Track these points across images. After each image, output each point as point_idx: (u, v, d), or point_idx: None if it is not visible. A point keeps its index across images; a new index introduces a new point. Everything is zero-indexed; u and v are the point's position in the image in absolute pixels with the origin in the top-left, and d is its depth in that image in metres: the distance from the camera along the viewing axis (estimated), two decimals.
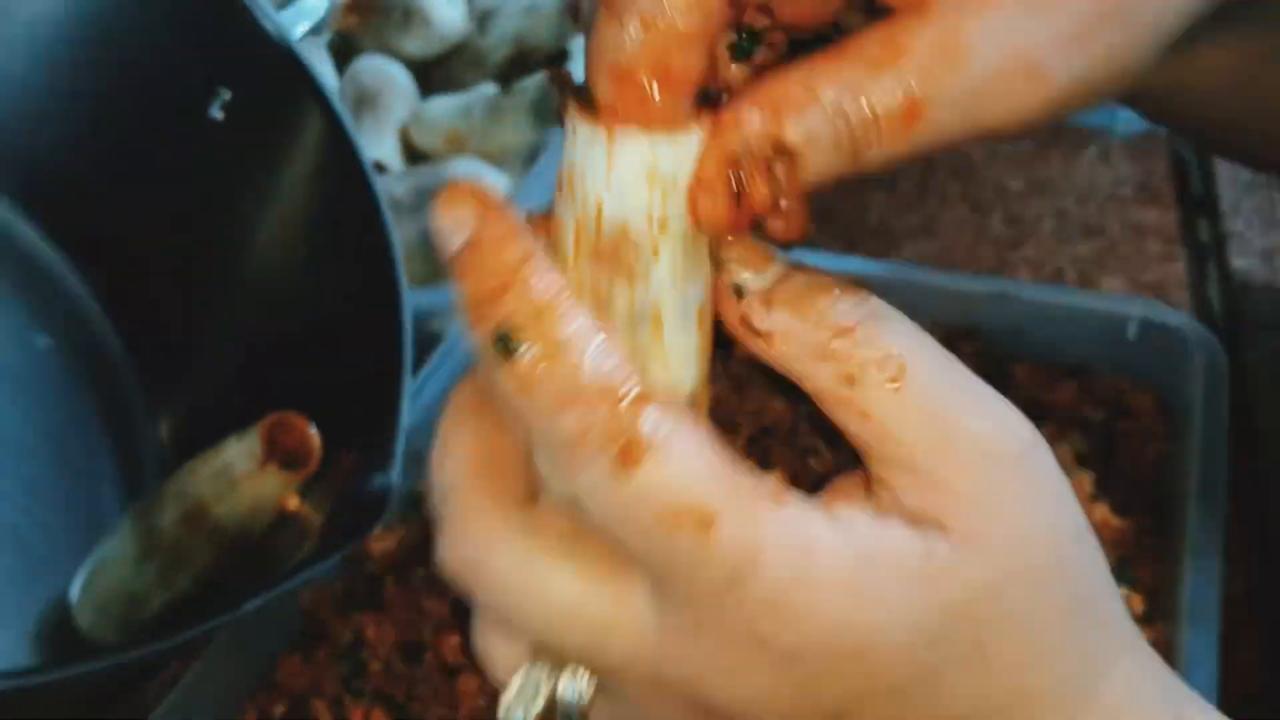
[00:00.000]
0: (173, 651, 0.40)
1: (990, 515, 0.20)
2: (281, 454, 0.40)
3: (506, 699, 0.21)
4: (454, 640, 0.38)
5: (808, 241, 0.22)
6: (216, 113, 0.51)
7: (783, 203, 0.21)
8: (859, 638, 0.19)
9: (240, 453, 0.41)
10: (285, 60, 0.48)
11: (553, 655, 0.21)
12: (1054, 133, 0.70)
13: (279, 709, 0.39)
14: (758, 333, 0.20)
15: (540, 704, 0.20)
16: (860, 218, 0.64)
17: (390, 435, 0.43)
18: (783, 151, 0.20)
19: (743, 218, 0.20)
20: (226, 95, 0.50)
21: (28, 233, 0.55)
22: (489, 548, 0.20)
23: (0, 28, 0.49)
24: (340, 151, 0.47)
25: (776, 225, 0.21)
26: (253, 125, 0.50)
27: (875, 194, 0.66)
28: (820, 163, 0.20)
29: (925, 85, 0.20)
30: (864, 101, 0.20)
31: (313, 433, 0.41)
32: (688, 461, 0.19)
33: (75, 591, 0.46)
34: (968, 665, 0.20)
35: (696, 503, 0.19)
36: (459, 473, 0.21)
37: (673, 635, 0.20)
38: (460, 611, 0.40)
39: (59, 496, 0.52)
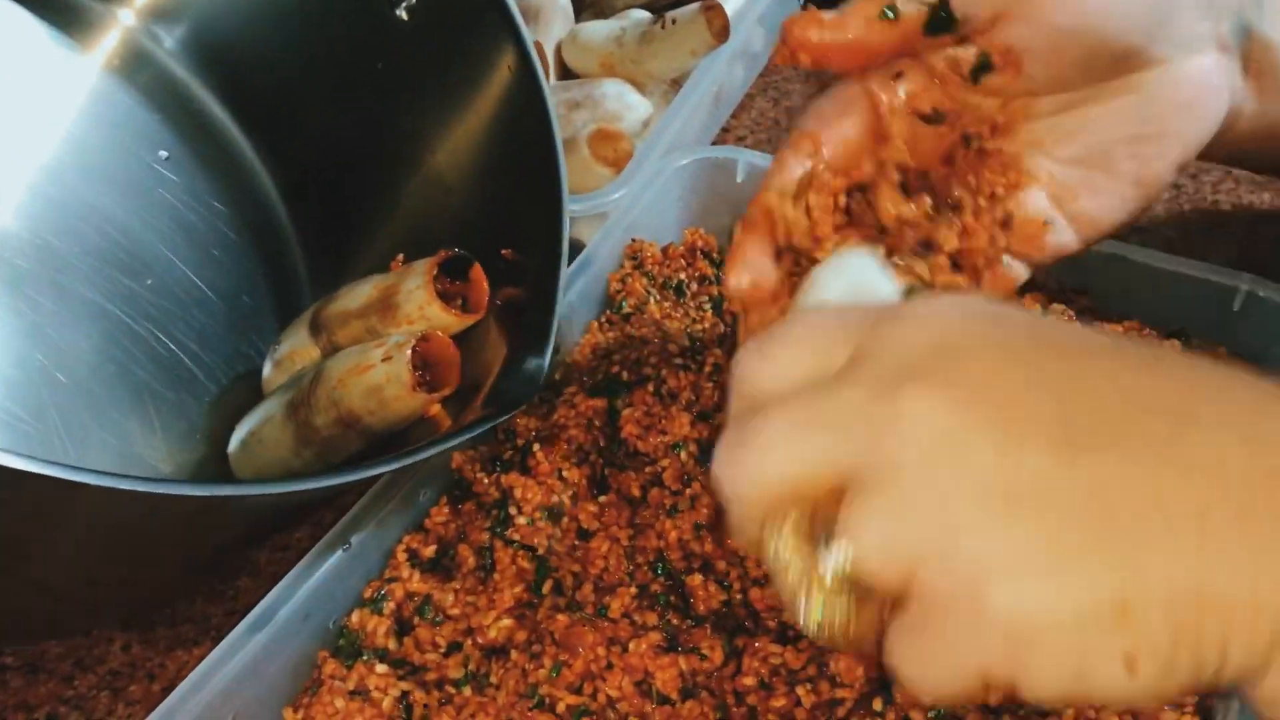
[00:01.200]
0: (343, 489, 0.46)
1: None
2: (426, 373, 0.45)
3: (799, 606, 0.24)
4: (591, 508, 0.43)
5: None
6: (402, 13, 0.55)
7: None
8: None
9: (391, 376, 0.44)
10: None
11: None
12: None
13: (428, 550, 0.44)
14: None
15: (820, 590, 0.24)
16: None
17: (546, 324, 0.47)
18: None
19: None
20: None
21: (221, 116, 0.60)
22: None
23: None
24: (521, 69, 0.50)
25: None
26: (435, 29, 0.54)
27: None
28: None
29: None
30: None
31: (454, 355, 0.46)
32: None
33: (233, 448, 0.51)
34: None
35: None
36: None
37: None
38: (595, 483, 0.45)
39: (225, 346, 0.58)
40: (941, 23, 0.36)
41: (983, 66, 0.36)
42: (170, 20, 0.57)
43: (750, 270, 0.37)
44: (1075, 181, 0.38)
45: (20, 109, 0.53)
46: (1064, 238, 0.38)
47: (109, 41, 0.56)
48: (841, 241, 0.36)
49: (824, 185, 0.36)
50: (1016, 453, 0.23)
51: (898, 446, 0.24)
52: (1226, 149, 0.41)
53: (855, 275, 0.34)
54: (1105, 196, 0.38)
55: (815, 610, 0.24)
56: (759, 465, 0.25)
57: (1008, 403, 0.24)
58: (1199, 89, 0.37)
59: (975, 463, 0.23)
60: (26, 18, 0.54)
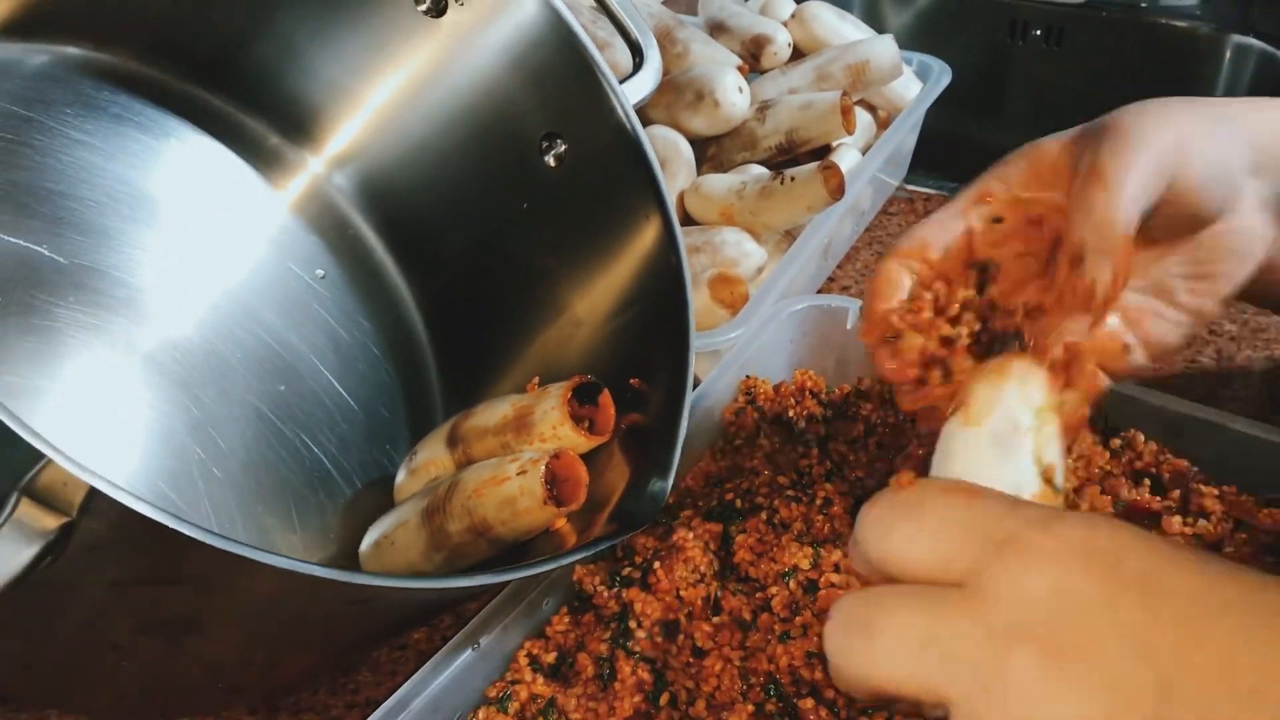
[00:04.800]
0: (473, 593, 0.49)
1: None
2: (556, 488, 0.48)
3: None
4: (706, 627, 0.46)
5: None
6: (550, 160, 0.61)
7: None
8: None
9: (525, 489, 0.48)
10: (622, 133, 0.57)
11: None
12: None
13: (549, 656, 0.47)
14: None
15: None
16: None
17: (670, 450, 0.51)
18: None
19: None
20: (562, 148, 0.60)
21: (374, 242, 0.66)
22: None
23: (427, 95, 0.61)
24: (658, 218, 0.55)
25: None
26: (580, 177, 0.59)
27: None
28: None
29: None
30: None
31: (583, 473, 0.49)
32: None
33: (365, 548, 0.54)
34: None
35: (964, 485, 0.30)
36: None
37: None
38: (709, 603, 0.48)
39: (362, 453, 0.62)
40: None
41: None
42: (345, 163, 0.64)
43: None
44: (1144, 308, 0.46)
45: (211, 231, 0.59)
46: (1137, 356, 0.46)
47: (294, 178, 0.63)
48: (1003, 364, 0.40)
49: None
50: None
51: (1003, 702, 0.26)
52: (1260, 293, 0.48)
53: (1008, 406, 0.38)
54: (1166, 323, 0.46)
55: None
56: (870, 663, 0.28)
57: (1112, 677, 0.25)
58: (1247, 239, 0.45)
59: None
60: (233, 158, 0.61)
